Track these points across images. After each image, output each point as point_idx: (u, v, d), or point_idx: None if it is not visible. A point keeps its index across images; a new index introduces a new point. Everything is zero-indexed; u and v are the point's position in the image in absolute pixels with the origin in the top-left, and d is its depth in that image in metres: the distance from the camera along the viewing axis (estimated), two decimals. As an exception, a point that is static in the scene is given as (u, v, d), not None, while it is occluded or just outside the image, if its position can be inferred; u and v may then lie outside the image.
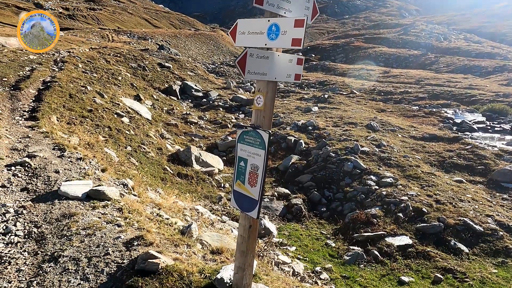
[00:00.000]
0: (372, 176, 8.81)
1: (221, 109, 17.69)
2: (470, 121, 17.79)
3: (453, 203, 7.56)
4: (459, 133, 14.81)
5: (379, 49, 46.68)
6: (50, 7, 56.99)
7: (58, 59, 14.70)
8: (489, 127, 17.09)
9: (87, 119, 8.41)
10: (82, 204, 3.98)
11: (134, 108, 12.43)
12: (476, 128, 16.78)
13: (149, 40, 43.09)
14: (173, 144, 11.10)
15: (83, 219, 3.68)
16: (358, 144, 10.51)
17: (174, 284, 2.74)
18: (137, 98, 14.79)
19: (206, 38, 51.70)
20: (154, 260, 2.98)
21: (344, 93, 24.49)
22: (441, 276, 5.36)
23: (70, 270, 3.07)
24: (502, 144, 13.84)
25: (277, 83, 2.39)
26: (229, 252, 3.69)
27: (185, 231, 3.89)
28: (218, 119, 15.91)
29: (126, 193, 4.55)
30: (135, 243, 3.32)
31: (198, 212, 5.43)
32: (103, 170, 5.12)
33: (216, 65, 40.72)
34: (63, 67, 13.10)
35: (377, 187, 8.28)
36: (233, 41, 2.33)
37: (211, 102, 18.75)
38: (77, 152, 5.28)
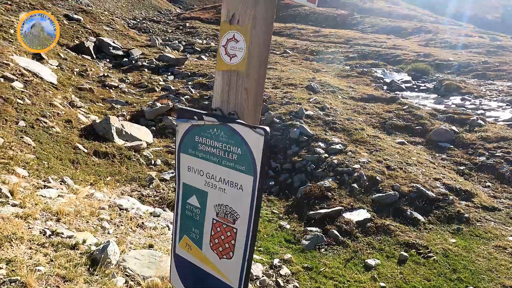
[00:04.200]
0: (320, 143, 8.17)
1: (146, 70, 15.49)
2: (398, 81, 18.42)
3: (403, 168, 7.30)
4: (391, 92, 15.10)
5: (308, 8, 46.26)
6: None
7: None
8: (415, 86, 17.90)
9: (-47, 86, 6.13)
10: None
11: (31, 69, 9.88)
12: (405, 88, 17.42)
13: (54, -12, 36.48)
14: (87, 113, 9.12)
15: None
16: (302, 108, 9.76)
17: None
18: (38, 57, 11.96)
19: (123, -12, 45.62)
20: None
21: (277, 52, 23.74)
22: (406, 254, 4.96)
23: None
24: (431, 102, 14.44)
25: (276, 3, 1.05)
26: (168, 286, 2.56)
27: (99, 257, 2.63)
28: (143, 82, 13.85)
29: (-2, 204, 3.01)
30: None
31: (121, 209, 4.12)
32: (-41, 168, 3.43)
33: (138, 20, 36.46)
34: None
35: (326, 155, 7.67)
36: None
37: (133, 62, 16.33)
38: None
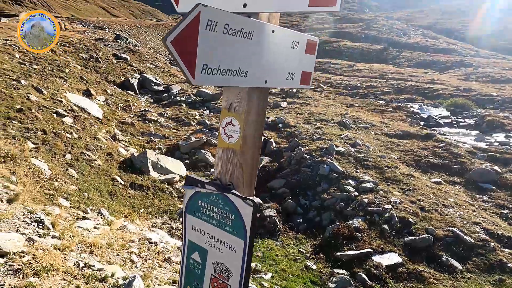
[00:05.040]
0: (350, 181, 8.06)
1: (184, 104, 16.33)
2: (436, 116, 17.83)
3: (438, 210, 6.98)
4: (428, 128, 14.65)
5: (343, 43, 46.93)
6: (-9, -10, 51.68)
7: (-11, 48, 12.61)
8: (454, 122, 17.17)
9: (13, 122, 6.86)
10: None
11: (81, 105, 10.82)
12: (443, 123, 16.78)
13: (107, 29, 40.10)
14: (127, 146, 9.72)
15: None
16: (333, 144, 9.75)
17: None
18: (87, 94, 13.09)
19: (169, 29, 49.20)
20: None
21: (311, 87, 24.02)
22: (440, 304, 4.66)
23: None
24: (471, 139, 13.80)
25: (269, 91, 1.26)
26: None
27: (125, 291, 2.79)
28: (180, 116, 14.58)
29: (40, 235, 3.30)
30: None
31: (150, 243, 4.31)
32: (10, 200, 3.80)
33: (179, 57, 38.70)
34: (-7, 57, 11.15)
35: (357, 194, 7.53)
36: (175, 3, 1.22)
37: (173, 97, 17.32)
38: (-25, 174, 3.90)
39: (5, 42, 14.45)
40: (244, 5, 1.15)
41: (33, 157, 5.64)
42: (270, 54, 1.25)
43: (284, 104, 16.16)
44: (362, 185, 7.84)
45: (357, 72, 31.37)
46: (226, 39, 1.08)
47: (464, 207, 7.46)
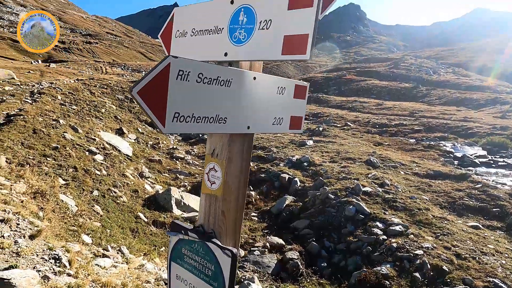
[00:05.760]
0: (378, 223, 7.68)
1: (210, 143, 16.68)
2: (471, 155, 16.97)
3: (476, 258, 6.42)
4: (462, 168, 13.93)
5: (370, 82, 46.99)
6: (44, 40, 57.17)
7: (36, 91, 13.74)
8: (492, 162, 16.19)
9: (48, 159, 7.26)
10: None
11: (112, 143, 11.33)
12: (479, 163, 15.89)
13: (143, 72, 42.87)
14: (153, 183, 9.92)
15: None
16: (359, 184, 9.45)
17: None
18: (120, 132, 13.75)
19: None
20: None
21: (338, 125, 23.91)
22: None
23: None
24: (511, 181, 12.91)
25: (253, 136, 1.27)
26: None
27: (132, 336, 2.72)
28: (206, 154, 14.83)
29: (55, 273, 3.34)
30: None
31: (166, 284, 4.22)
32: (33, 236, 3.92)
33: (209, 97, 40.13)
34: (38, 99, 12.10)
35: (385, 237, 7.13)
36: (166, 52, 1.30)
37: (200, 135, 17.77)
38: (3, 210, 4.08)
39: (50, 85, 15.72)
40: (225, 54, 1.20)
41: (62, 193, 5.88)
42: (252, 100, 1.26)
43: (310, 143, 16.08)
44: (391, 228, 7.43)
45: (386, 110, 30.96)
46: (200, 87, 1.10)
47: (507, 255, 6.82)
